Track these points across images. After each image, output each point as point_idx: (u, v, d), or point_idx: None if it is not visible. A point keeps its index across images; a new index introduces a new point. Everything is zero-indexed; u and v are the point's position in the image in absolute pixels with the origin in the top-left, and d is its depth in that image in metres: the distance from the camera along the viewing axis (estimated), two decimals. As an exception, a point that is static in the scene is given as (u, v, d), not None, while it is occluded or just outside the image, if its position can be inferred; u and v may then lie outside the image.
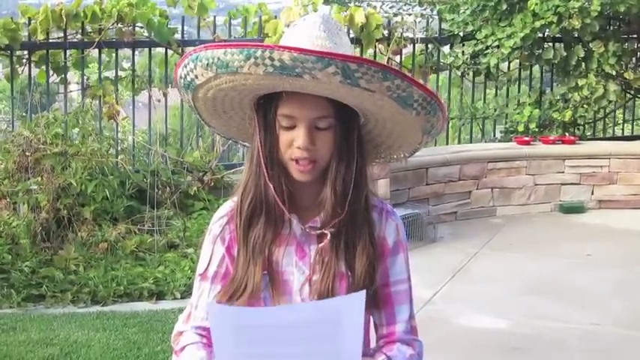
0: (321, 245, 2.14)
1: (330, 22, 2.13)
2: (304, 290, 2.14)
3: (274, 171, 2.12)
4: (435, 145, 8.57)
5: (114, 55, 7.62)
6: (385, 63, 8.31)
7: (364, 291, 1.91)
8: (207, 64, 2.04)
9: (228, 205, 2.24)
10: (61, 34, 7.38)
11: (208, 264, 2.22)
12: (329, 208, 2.12)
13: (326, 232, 2.13)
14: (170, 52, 7.71)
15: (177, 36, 7.74)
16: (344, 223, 2.13)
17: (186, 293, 5.97)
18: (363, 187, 2.15)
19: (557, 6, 8.54)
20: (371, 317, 2.24)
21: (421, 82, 2.12)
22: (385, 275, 2.20)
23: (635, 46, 9.45)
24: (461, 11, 8.95)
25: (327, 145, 2.09)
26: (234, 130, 2.28)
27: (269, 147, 2.12)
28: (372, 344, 2.26)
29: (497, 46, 8.74)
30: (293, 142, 2.08)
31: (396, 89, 2.01)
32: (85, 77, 7.62)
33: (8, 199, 6.48)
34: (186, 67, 2.09)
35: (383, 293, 2.20)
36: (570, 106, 9.03)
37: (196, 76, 2.08)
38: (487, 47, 8.81)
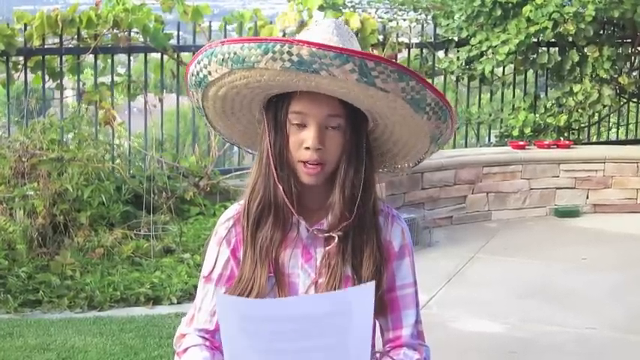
0: (328, 248, 2.15)
1: (342, 27, 2.15)
2: (310, 293, 2.15)
3: (284, 172, 2.13)
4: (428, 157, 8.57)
5: (109, 60, 7.63)
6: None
7: (373, 282, 1.91)
8: (223, 59, 2.04)
9: (234, 208, 2.25)
10: (57, 40, 7.38)
11: (213, 266, 2.22)
12: (337, 212, 2.13)
13: (334, 235, 2.14)
14: (165, 57, 7.72)
15: (173, 41, 7.75)
16: (351, 228, 2.14)
17: (183, 298, 5.98)
18: (371, 191, 2.16)
19: (552, 12, 8.56)
20: (376, 322, 2.24)
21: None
22: (391, 279, 2.21)
23: (630, 51, 9.47)
24: (455, 17, 8.97)
25: (335, 146, 2.10)
26: (239, 135, 2.28)
27: (279, 148, 2.12)
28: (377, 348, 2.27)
29: (492, 52, 8.76)
30: (303, 143, 2.09)
31: (410, 91, 2.02)
32: (81, 83, 7.62)
33: (4, 205, 6.47)
34: (199, 63, 2.09)
35: (389, 297, 2.21)
36: (565, 110, 9.05)
37: (210, 72, 2.08)
38: (482, 53, 8.83)
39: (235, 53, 2.02)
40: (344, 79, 1.98)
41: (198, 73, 2.11)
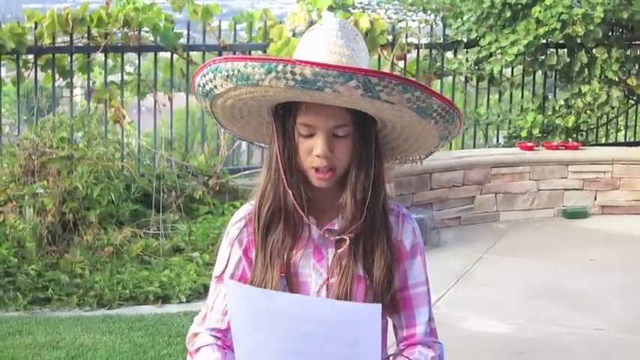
0: (340, 251, 2.16)
1: (347, 27, 2.15)
2: (322, 293, 2.17)
3: (293, 178, 2.14)
4: (439, 151, 8.58)
5: (119, 59, 7.64)
6: (389, 68, 8.35)
7: (380, 305, 1.93)
8: (227, 76, 2.05)
9: (246, 208, 2.26)
10: (67, 39, 7.40)
11: (225, 266, 2.23)
12: (349, 215, 2.14)
13: (345, 237, 2.15)
14: (175, 56, 7.74)
15: (183, 41, 7.77)
16: (362, 229, 2.15)
17: (192, 297, 6.00)
18: (380, 191, 2.17)
19: (561, 13, 8.57)
20: (389, 320, 2.26)
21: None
22: (404, 278, 2.22)
23: (638, 53, 9.47)
24: (465, 18, 8.97)
25: (345, 153, 2.12)
26: (250, 133, 2.30)
27: (288, 155, 2.13)
28: (389, 347, 2.28)
29: (501, 53, 8.76)
30: (312, 151, 2.10)
31: (415, 100, 2.03)
32: (91, 81, 7.64)
33: (14, 203, 6.50)
34: (205, 76, 2.10)
35: (402, 296, 2.22)
36: (573, 111, 9.05)
37: (215, 87, 2.10)
38: (490, 54, 8.83)
39: (239, 71, 2.03)
40: (349, 95, 2.00)
41: (204, 86, 2.12)
